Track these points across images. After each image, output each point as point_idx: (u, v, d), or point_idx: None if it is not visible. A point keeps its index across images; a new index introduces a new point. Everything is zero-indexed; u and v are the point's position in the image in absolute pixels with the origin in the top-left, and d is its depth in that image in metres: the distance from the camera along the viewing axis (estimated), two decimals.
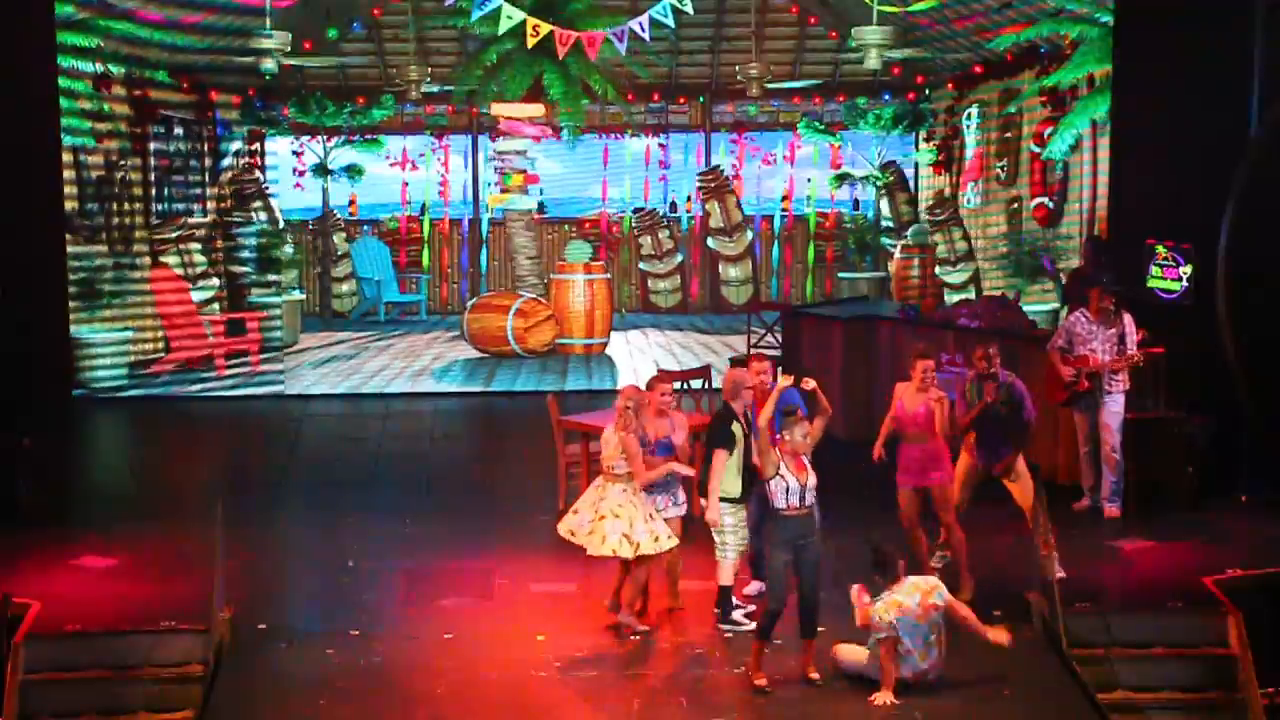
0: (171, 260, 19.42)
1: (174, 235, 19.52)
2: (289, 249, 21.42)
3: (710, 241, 22.76)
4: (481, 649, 10.22)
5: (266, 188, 21.34)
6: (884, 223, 22.25)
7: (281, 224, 21.56)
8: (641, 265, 22.86)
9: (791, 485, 9.73)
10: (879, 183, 22.20)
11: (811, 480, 9.79)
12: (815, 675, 9.71)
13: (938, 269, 21.25)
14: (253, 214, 20.82)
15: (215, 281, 19.93)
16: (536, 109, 21.32)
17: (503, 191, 22.10)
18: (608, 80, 21.17)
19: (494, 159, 22.06)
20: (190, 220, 19.97)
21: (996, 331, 14.80)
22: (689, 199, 22.86)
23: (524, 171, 22.03)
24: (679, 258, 22.89)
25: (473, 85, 21.27)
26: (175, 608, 10.34)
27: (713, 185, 22.74)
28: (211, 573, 10.16)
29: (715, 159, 22.82)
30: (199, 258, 19.71)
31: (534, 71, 20.94)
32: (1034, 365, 13.64)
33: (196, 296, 19.52)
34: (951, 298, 20.29)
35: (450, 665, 9.96)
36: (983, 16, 18.88)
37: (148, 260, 19.12)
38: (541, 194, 22.42)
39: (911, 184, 22.22)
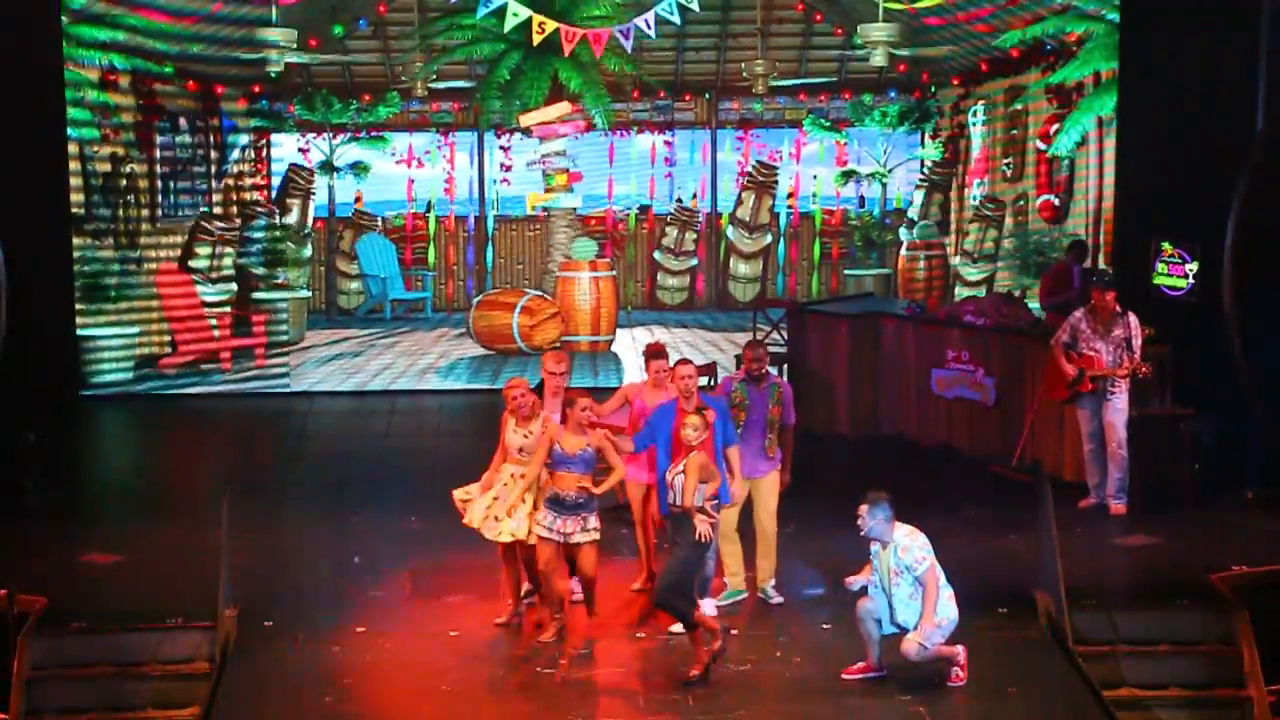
0: (202, 252, 19.43)
1: (217, 231, 19.52)
2: (307, 250, 21.44)
3: (729, 231, 22.72)
4: (487, 646, 10.23)
5: (314, 188, 21.36)
6: (910, 215, 22.16)
7: (310, 223, 21.57)
8: (657, 255, 22.82)
9: (675, 483, 9.83)
10: (923, 180, 22.12)
11: (680, 482, 9.72)
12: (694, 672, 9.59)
13: (958, 259, 21.18)
14: (275, 211, 20.82)
15: (234, 281, 19.92)
16: (563, 107, 21.29)
17: (546, 191, 22.07)
18: (623, 60, 20.98)
19: (536, 161, 22.03)
20: (234, 216, 20.04)
21: (1000, 328, 14.80)
22: (694, 196, 22.85)
23: (566, 170, 22.02)
24: (694, 261, 22.88)
25: (495, 106, 21.30)
26: (181, 604, 10.34)
27: (760, 180, 22.71)
28: (217, 569, 10.18)
29: (721, 156, 22.81)
30: (227, 256, 19.71)
31: (548, 72, 20.92)
32: (1038, 362, 13.63)
33: (217, 295, 19.51)
34: (961, 293, 20.29)
35: (456, 662, 9.96)
36: (989, 13, 18.86)
37: (154, 257, 19.13)
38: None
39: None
